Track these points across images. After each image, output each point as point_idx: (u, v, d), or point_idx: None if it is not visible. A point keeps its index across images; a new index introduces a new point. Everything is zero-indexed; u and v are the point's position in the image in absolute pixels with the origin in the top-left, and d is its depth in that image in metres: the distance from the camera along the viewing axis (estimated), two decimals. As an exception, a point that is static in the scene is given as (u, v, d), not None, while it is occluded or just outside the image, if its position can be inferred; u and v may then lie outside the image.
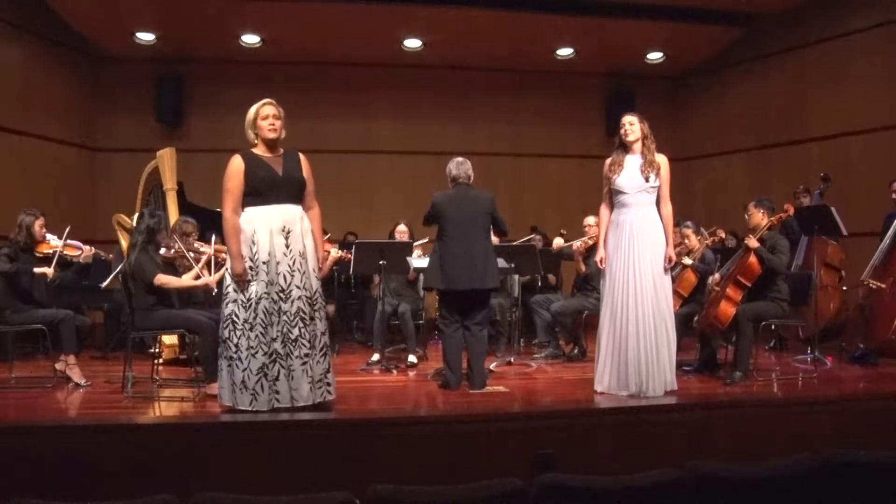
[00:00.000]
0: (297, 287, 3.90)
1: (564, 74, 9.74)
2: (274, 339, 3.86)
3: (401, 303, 6.32)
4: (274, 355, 3.86)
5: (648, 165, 4.59)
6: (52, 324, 5.06)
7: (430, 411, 4.37)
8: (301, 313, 3.89)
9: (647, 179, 4.58)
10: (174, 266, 5.45)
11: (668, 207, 4.66)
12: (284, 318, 3.87)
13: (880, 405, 4.41)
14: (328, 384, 3.99)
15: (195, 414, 4.25)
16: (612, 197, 4.69)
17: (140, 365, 5.35)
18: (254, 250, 3.89)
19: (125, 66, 9.10)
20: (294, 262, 3.91)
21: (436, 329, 5.15)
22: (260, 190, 3.93)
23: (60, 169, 8.52)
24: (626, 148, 4.69)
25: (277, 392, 3.86)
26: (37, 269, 5.22)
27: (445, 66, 9.48)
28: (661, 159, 4.64)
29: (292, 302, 3.88)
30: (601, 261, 4.70)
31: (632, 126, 4.67)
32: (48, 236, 5.44)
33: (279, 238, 3.90)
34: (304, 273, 3.92)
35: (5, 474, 3.27)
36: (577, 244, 6.45)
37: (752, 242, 5.11)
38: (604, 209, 4.77)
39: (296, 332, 3.87)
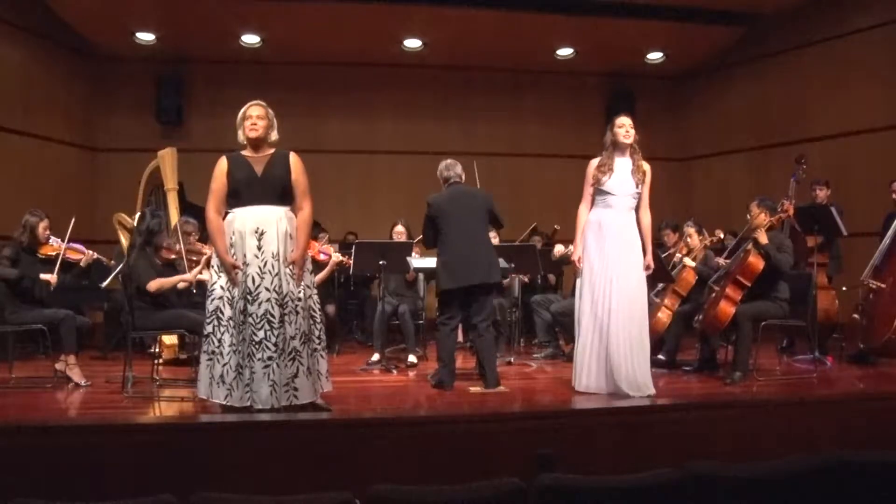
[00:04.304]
0: (266, 289, 3.87)
1: (564, 74, 9.74)
2: (243, 340, 3.89)
3: (401, 303, 6.32)
4: (244, 354, 3.88)
5: (637, 170, 4.65)
6: (52, 324, 5.06)
7: (430, 411, 4.37)
8: (268, 316, 3.86)
9: (636, 185, 4.64)
10: (174, 266, 5.46)
11: (648, 215, 4.73)
12: (250, 319, 3.87)
13: (880, 405, 4.41)
14: (295, 388, 3.91)
15: (195, 414, 4.26)
16: (596, 197, 4.70)
17: (140, 365, 5.35)
18: (230, 252, 3.94)
19: (125, 66, 9.10)
20: (265, 265, 3.89)
21: (435, 328, 5.16)
22: (237, 191, 3.97)
23: (60, 169, 8.52)
24: (616, 149, 4.70)
25: (247, 389, 3.88)
26: (42, 276, 5.23)
27: (445, 66, 9.48)
28: (647, 167, 4.71)
29: (259, 304, 3.87)
30: (578, 260, 4.71)
31: (631, 129, 4.70)
32: (51, 238, 5.45)
33: (251, 240, 3.90)
34: (276, 275, 3.89)
35: (5, 474, 3.27)
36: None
37: (763, 237, 5.10)
38: (584, 208, 4.76)
39: (261, 334, 3.85)
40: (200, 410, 4.25)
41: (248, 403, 3.86)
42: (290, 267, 3.94)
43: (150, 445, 3.52)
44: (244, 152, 4.06)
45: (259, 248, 3.90)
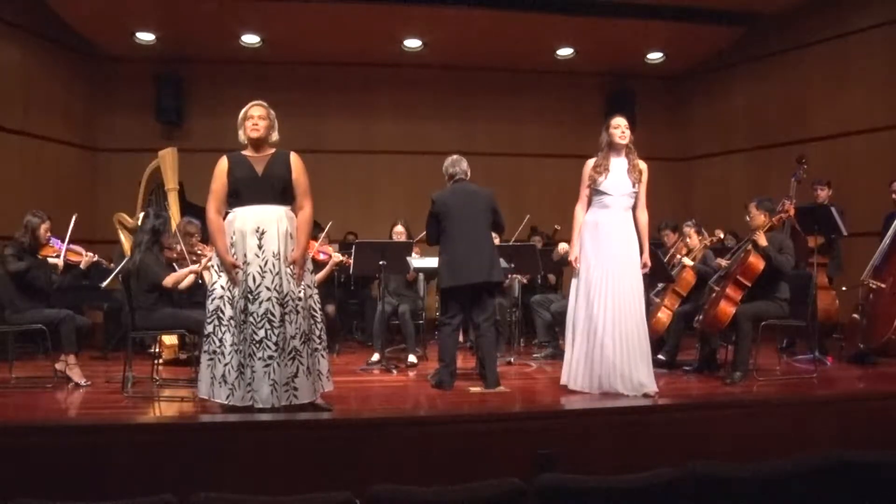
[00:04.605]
0: (267, 288, 3.88)
1: (564, 74, 9.75)
2: (244, 340, 3.89)
3: (401, 303, 6.32)
4: (245, 353, 3.89)
5: (633, 170, 4.65)
6: (52, 324, 5.06)
7: (430, 411, 4.37)
8: (269, 315, 3.87)
9: (633, 184, 4.64)
10: (175, 267, 5.47)
11: (645, 214, 4.74)
12: (251, 318, 3.87)
13: (880, 405, 4.41)
14: (295, 388, 3.91)
15: (195, 414, 4.26)
16: (592, 197, 4.71)
17: (140, 365, 5.35)
18: (230, 251, 3.95)
19: (125, 66, 9.10)
20: (266, 264, 3.90)
21: (436, 328, 5.16)
22: (238, 191, 3.98)
23: (60, 169, 8.52)
24: (612, 149, 4.71)
25: (249, 389, 3.89)
26: (50, 260, 5.30)
27: (445, 66, 9.49)
28: (643, 166, 4.72)
29: (260, 303, 3.87)
30: (575, 260, 4.71)
31: (627, 129, 4.71)
32: (52, 240, 5.46)
33: (252, 239, 3.91)
34: (276, 274, 3.90)
35: (5, 474, 3.27)
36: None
37: (762, 240, 5.10)
38: (580, 209, 4.78)
39: (261, 333, 3.86)
40: (200, 410, 4.25)
41: (250, 403, 3.87)
42: (291, 266, 3.95)
43: (150, 445, 3.52)
44: (245, 152, 4.07)
45: (260, 247, 3.91)
